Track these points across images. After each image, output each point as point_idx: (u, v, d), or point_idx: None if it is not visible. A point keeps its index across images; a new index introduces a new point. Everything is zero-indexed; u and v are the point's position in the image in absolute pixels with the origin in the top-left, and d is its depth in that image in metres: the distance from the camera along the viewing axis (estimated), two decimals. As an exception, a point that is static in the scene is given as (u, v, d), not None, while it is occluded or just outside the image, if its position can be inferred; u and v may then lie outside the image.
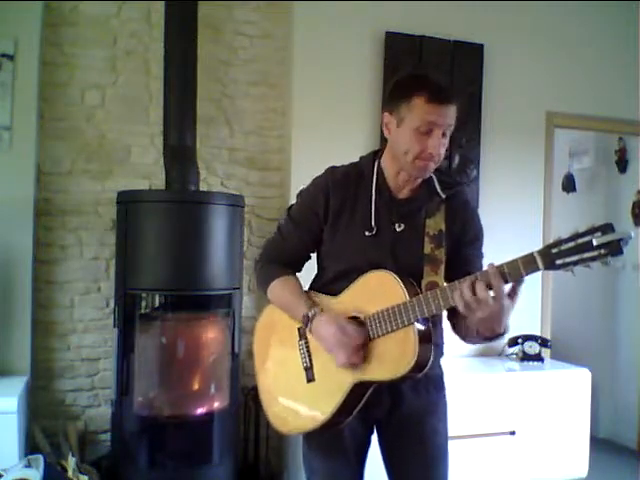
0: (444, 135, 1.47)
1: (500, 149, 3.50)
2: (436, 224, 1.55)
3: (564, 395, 3.20)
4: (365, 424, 1.63)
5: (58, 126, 3.01)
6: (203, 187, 3.08)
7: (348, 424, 1.56)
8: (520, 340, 3.39)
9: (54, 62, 2.99)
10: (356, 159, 1.68)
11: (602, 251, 1.19)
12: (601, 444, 3.90)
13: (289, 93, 3.26)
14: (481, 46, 3.43)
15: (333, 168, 1.65)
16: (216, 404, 2.82)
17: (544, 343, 3.43)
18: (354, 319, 1.52)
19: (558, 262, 1.23)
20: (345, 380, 1.51)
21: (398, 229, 1.55)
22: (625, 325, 4.19)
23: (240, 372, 2.88)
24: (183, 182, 2.80)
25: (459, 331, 1.56)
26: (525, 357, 3.37)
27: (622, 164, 4.26)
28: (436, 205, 1.57)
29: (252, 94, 3.29)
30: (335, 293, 1.58)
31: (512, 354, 3.45)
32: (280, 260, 1.69)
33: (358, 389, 1.51)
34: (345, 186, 1.59)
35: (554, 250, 1.24)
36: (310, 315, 1.54)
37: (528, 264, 1.27)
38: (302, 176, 3.05)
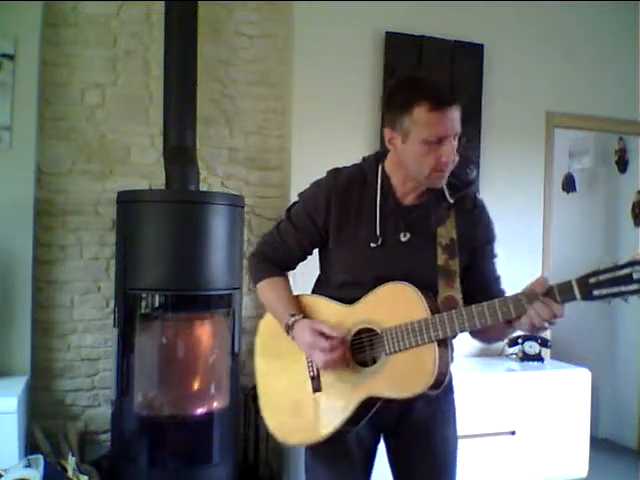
0: (453, 138, 1.39)
1: (500, 149, 3.50)
2: (447, 232, 1.46)
3: (564, 395, 3.20)
4: (372, 433, 1.58)
5: (58, 126, 3.01)
6: (203, 187, 3.08)
7: (355, 433, 1.52)
8: (520, 340, 3.38)
9: (54, 62, 2.99)
10: (356, 159, 1.63)
11: None
12: (601, 444, 3.90)
13: (289, 93, 3.26)
14: (481, 46, 3.43)
15: (335, 171, 1.56)
16: (216, 404, 2.82)
17: (544, 343, 3.42)
18: (368, 331, 1.46)
19: (595, 293, 1.21)
20: (355, 395, 1.45)
21: (403, 239, 1.48)
22: (625, 325, 4.19)
23: (240, 372, 2.88)
24: (183, 182, 2.80)
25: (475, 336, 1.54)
26: (525, 357, 3.37)
27: (622, 164, 4.26)
28: (445, 211, 1.49)
29: (252, 94, 3.29)
30: (343, 301, 1.51)
31: (512, 354, 3.44)
32: (275, 258, 1.64)
33: (367, 403, 1.45)
34: (348, 192, 1.51)
35: (592, 280, 1.21)
36: (290, 323, 1.50)
37: (565, 292, 1.24)
38: (302, 176, 3.06)
